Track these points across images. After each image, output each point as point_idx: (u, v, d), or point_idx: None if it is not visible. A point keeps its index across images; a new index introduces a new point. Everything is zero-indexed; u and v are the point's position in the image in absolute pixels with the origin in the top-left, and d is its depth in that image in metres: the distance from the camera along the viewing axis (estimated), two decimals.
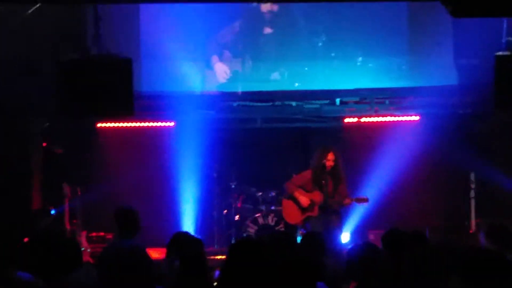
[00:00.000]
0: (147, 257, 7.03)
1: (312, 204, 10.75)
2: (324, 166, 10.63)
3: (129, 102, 8.74)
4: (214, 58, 12.00)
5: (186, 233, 7.11)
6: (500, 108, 9.47)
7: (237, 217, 12.52)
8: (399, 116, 12.56)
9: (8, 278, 3.07)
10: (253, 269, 4.55)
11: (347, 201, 10.79)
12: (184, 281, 6.19)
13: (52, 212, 10.63)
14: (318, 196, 10.72)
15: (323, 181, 10.64)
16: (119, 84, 8.59)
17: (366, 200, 10.95)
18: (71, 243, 5.07)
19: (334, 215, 10.71)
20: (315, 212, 10.72)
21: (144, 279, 6.77)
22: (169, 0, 10.75)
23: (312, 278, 4.69)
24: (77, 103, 8.60)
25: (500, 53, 8.98)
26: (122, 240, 7.17)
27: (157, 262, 7.07)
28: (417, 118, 12.56)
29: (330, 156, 10.67)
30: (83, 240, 11.21)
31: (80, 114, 9.22)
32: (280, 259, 4.69)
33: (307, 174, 10.88)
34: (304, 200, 10.78)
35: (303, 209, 10.81)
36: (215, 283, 6.51)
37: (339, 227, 10.74)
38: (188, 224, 12.37)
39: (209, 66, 12.06)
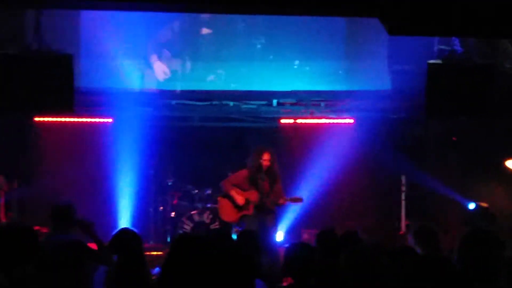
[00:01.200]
0: (86, 249, 7.20)
1: (248, 202, 10.91)
2: (260, 166, 10.80)
3: (69, 98, 8.84)
4: (153, 57, 12.05)
5: (127, 230, 7.25)
6: (431, 116, 9.81)
7: (173, 214, 12.62)
8: (334, 119, 12.83)
9: None
10: (194, 264, 4.69)
11: (281, 200, 10.97)
12: (123, 276, 6.33)
13: None
14: (253, 195, 10.88)
15: (259, 181, 10.80)
16: (59, 80, 8.67)
17: (300, 200, 11.17)
18: (30, 233, 5.08)
19: (269, 214, 10.89)
20: (251, 210, 10.88)
21: (81, 270, 6.95)
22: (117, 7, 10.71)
23: (250, 274, 4.85)
24: (16, 99, 8.66)
25: (432, 61, 9.33)
26: (57, 234, 7.23)
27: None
28: (351, 121, 12.84)
29: (266, 156, 10.84)
30: None
31: (19, 110, 9.27)
32: (218, 256, 4.83)
33: (243, 173, 11.03)
34: (239, 198, 10.93)
35: (238, 208, 10.97)
36: (153, 278, 6.68)
37: (274, 226, 10.93)
38: (125, 220, 12.41)
39: (148, 64, 12.12)
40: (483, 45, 9.96)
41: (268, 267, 6.88)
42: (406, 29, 6.00)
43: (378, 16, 5.92)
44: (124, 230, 7.09)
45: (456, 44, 9.53)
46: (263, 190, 10.86)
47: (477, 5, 5.97)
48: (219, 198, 11.32)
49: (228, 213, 11.04)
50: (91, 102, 11.97)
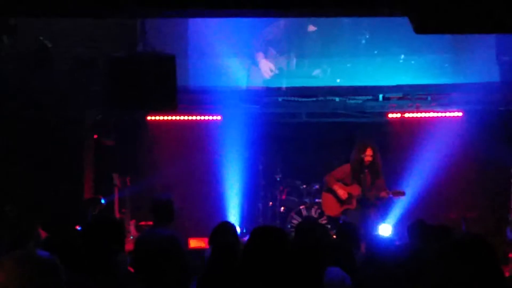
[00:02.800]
0: (178, 245, 7.47)
1: (350, 197, 11.03)
2: (362, 160, 10.88)
3: (172, 97, 9.18)
4: (259, 55, 12.28)
5: (224, 222, 7.52)
6: None
7: (282, 209, 12.87)
8: (442, 112, 12.74)
9: (28, 253, 3.41)
10: (269, 253, 4.86)
11: (383, 194, 11.01)
12: (213, 267, 6.55)
13: (103, 201, 11.05)
14: (356, 190, 10.99)
15: (362, 175, 10.89)
16: (163, 80, 9.03)
17: (402, 193, 11.17)
18: (118, 226, 5.41)
19: (372, 208, 10.96)
20: (353, 205, 11.00)
21: (174, 266, 7.21)
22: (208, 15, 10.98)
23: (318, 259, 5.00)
24: (124, 98, 9.09)
25: None
26: (156, 228, 7.56)
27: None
28: (459, 114, 12.72)
29: (369, 152, 10.92)
30: (132, 228, 11.69)
31: (127, 108, 9.73)
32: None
33: (346, 168, 11.16)
34: (342, 193, 11.06)
35: (341, 202, 11.10)
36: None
37: (376, 219, 10.97)
38: (234, 216, 12.76)
39: (254, 62, 12.35)
40: None
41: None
42: (433, 27, 5.99)
43: (405, 15, 5.95)
44: (220, 223, 7.38)
45: None
46: (365, 184, 10.94)
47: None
48: (323, 193, 11.49)
49: (331, 208, 11.19)
50: (200, 101, 12.35)
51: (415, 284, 4.99)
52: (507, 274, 6.69)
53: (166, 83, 9.06)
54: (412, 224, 7.43)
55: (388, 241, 6.65)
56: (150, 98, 9.09)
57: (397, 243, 6.61)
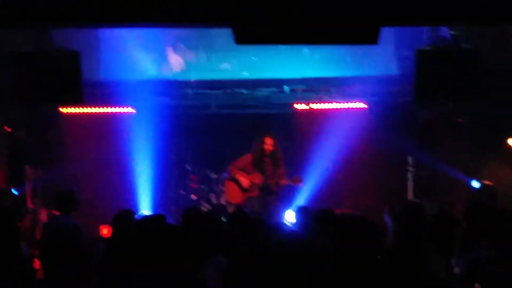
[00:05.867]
0: (78, 233, 7.92)
1: (253, 185, 11.40)
2: (263, 150, 11.29)
3: (78, 92, 9.50)
4: (169, 49, 12.64)
5: (123, 210, 7.96)
6: (420, 101, 10.21)
7: (193, 197, 13.33)
8: (347, 103, 13.30)
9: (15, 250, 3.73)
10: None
11: (283, 181, 11.36)
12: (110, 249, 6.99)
13: (15, 192, 11.29)
14: (258, 178, 11.36)
15: (263, 164, 11.28)
16: (68, 75, 9.35)
17: (300, 180, 11.53)
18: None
19: (274, 195, 11.35)
20: (255, 192, 11.38)
21: (74, 251, 7.64)
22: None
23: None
24: (32, 92, 9.37)
25: (421, 48, 9.75)
26: (59, 217, 7.99)
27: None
28: (364, 105, 13.31)
29: (268, 141, 11.31)
30: (43, 217, 11.96)
31: (34, 102, 9.99)
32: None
33: (247, 157, 11.50)
34: (244, 181, 11.41)
35: (244, 190, 11.46)
36: None
37: (278, 206, 11.36)
38: (146, 204, 13.12)
39: (164, 56, 12.72)
40: (472, 31, 10.26)
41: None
42: (250, 38, 6.41)
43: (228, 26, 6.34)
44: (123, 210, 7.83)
45: (445, 30, 9.92)
46: (267, 173, 11.31)
47: None
48: (226, 182, 11.81)
49: (234, 195, 11.50)
50: (112, 93, 12.64)
51: (303, 266, 5.48)
52: None
53: (72, 78, 9.38)
54: (299, 210, 7.92)
55: (278, 228, 7.13)
56: (57, 92, 9.40)
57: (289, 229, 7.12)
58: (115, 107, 13.16)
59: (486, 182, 11.21)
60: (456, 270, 6.20)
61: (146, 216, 6.16)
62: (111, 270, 6.62)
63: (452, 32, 9.81)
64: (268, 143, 11.29)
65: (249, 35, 6.38)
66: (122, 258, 6.43)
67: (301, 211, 7.78)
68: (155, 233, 5.52)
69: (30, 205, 11.96)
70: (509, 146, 11.93)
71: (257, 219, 7.53)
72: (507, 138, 11.93)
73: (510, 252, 5.55)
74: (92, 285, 7.26)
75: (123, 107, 13.17)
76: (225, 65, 12.77)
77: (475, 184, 11.62)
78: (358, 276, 4.99)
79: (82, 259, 7.65)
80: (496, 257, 5.58)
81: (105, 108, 13.12)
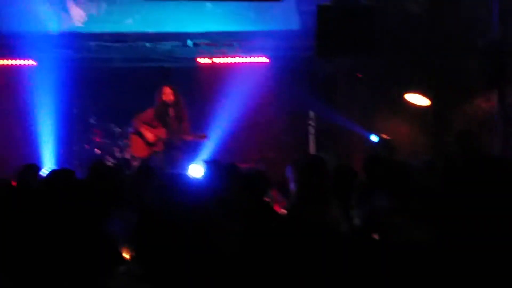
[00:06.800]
0: None
1: (158, 139, 11.38)
2: (164, 102, 11.25)
3: None
4: (70, 1, 12.50)
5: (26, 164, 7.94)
6: (320, 55, 10.49)
7: (97, 151, 13.30)
8: (249, 57, 13.46)
9: None
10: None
11: (187, 137, 11.36)
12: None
13: None
14: (162, 132, 11.31)
15: (166, 118, 11.29)
16: None
17: (204, 136, 11.63)
18: None
19: (178, 150, 11.36)
20: (160, 147, 11.33)
21: None
22: None
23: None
24: None
25: (322, 4, 10.00)
26: None
27: None
28: (266, 60, 13.49)
29: (166, 90, 11.24)
30: None
31: None
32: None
33: (151, 111, 11.38)
34: (149, 135, 11.31)
35: (149, 144, 11.38)
36: None
37: (182, 160, 11.41)
38: (50, 158, 13.04)
39: (65, 8, 12.56)
40: None
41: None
42: None
43: None
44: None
45: None
46: (171, 127, 11.30)
47: None
48: (131, 135, 11.70)
49: (139, 150, 11.38)
50: (12, 45, 12.47)
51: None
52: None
53: None
54: (208, 163, 8.05)
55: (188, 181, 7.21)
56: None
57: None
58: (15, 59, 12.95)
59: (384, 136, 11.59)
60: (356, 221, 6.45)
61: (54, 170, 6.17)
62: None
63: None
64: (167, 93, 11.22)
65: None
66: (26, 211, 6.47)
67: (210, 165, 7.88)
68: (64, 187, 5.59)
69: None
70: (406, 101, 12.32)
71: (165, 173, 7.62)
72: (404, 93, 12.30)
73: (405, 202, 5.81)
74: None
75: (24, 59, 12.97)
76: (129, 21, 12.70)
77: (374, 138, 11.97)
78: (263, 231, 5.18)
79: None
80: (392, 207, 5.84)
81: (5, 60, 12.89)
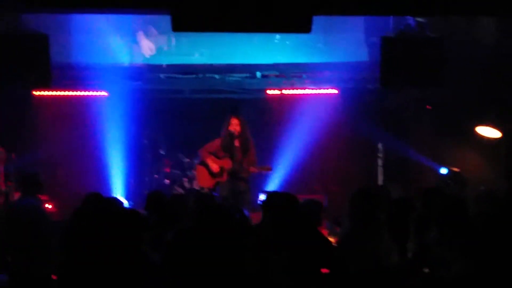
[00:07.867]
0: (40, 213, 8.03)
1: (222, 170, 11.39)
2: (230, 132, 11.26)
3: (47, 74, 9.62)
4: (140, 34, 12.72)
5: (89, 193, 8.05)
6: (385, 86, 10.40)
7: (166, 181, 13.43)
8: (318, 89, 13.43)
9: None
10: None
11: (252, 169, 11.31)
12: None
13: None
14: (227, 163, 11.34)
15: (232, 148, 11.27)
16: (36, 58, 9.46)
17: (269, 168, 11.62)
18: None
19: (242, 181, 11.31)
20: (224, 177, 11.33)
21: (35, 231, 7.76)
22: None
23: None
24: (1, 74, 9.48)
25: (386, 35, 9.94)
26: (23, 199, 8.12)
27: None
28: (335, 91, 13.44)
29: (234, 121, 11.27)
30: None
31: (3, 83, 10.04)
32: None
33: (218, 141, 11.41)
34: (214, 166, 11.35)
35: (213, 175, 11.43)
36: None
37: (246, 192, 11.39)
38: (120, 188, 13.23)
39: (135, 41, 12.79)
40: (437, 19, 10.42)
41: None
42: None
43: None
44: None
45: (411, 18, 10.10)
46: (237, 157, 11.30)
47: None
48: (197, 166, 11.78)
49: (204, 180, 11.43)
50: (84, 77, 12.76)
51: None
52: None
53: (40, 61, 9.49)
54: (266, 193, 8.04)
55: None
56: (25, 75, 9.51)
57: None
58: (87, 91, 13.23)
59: (454, 169, 11.36)
60: (410, 255, 6.33)
61: (103, 199, 6.28)
62: (71, 250, 6.74)
63: (418, 20, 10.01)
64: (234, 123, 11.26)
65: (185, 22, 6.48)
66: (81, 238, 6.58)
67: (269, 195, 7.86)
68: (111, 215, 5.68)
69: (3, 187, 11.99)
70: (477, 133, 12.07)
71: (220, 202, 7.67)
72: (474, 125, 12.07)
73: (458, 237, 5.68)
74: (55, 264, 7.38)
75: (96, 91, 13.24)
76: (197, 55, 12.88)
77: (443, 170, 11.75)
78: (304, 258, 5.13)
79: (44, 238, 7.78)
80: (445, 242, 5.71)
81: (77, 91, 13.18)
